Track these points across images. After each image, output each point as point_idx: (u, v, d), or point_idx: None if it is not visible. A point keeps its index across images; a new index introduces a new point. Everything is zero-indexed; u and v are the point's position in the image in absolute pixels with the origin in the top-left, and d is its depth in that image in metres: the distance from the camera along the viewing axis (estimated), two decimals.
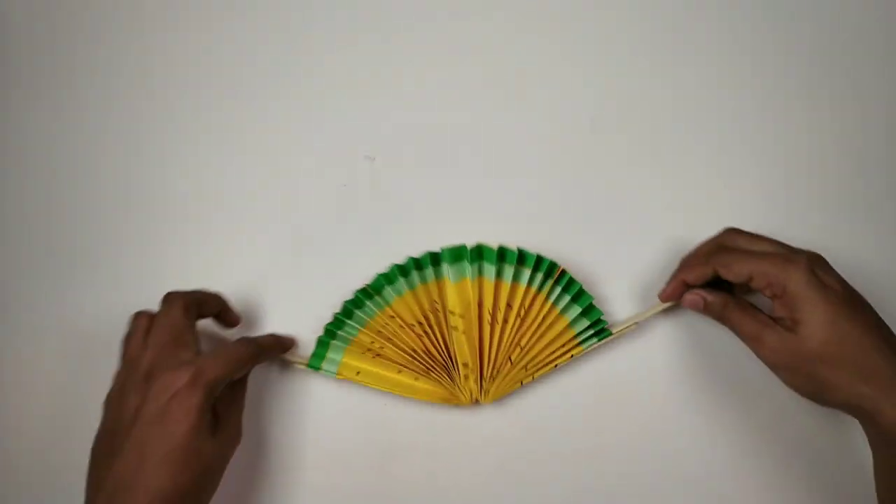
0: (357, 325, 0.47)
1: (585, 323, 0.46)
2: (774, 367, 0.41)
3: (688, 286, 0.45)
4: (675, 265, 0.48)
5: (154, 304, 0.44)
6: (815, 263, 0.41)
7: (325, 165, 0.52)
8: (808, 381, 0.40)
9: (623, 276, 0.50)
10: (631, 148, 0.52)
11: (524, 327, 0.46)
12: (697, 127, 0.53)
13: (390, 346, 0.46)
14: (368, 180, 0.52)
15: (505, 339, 0.46)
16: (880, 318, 0.41)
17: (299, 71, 0.54)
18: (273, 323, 0.50)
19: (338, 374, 0.46)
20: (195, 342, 0.42)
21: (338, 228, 0.51)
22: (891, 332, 0.40)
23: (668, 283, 0.46)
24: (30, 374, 0.50)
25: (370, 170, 0.52)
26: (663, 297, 0.46)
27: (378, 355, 0.46)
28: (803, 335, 0.39)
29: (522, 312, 0.46)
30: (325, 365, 0.46)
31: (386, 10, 0.55)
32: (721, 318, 0.44)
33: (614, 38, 0.54)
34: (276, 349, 0.47)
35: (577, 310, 0.47)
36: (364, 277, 0.49)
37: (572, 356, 0.46)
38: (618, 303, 0.49)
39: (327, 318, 0.48)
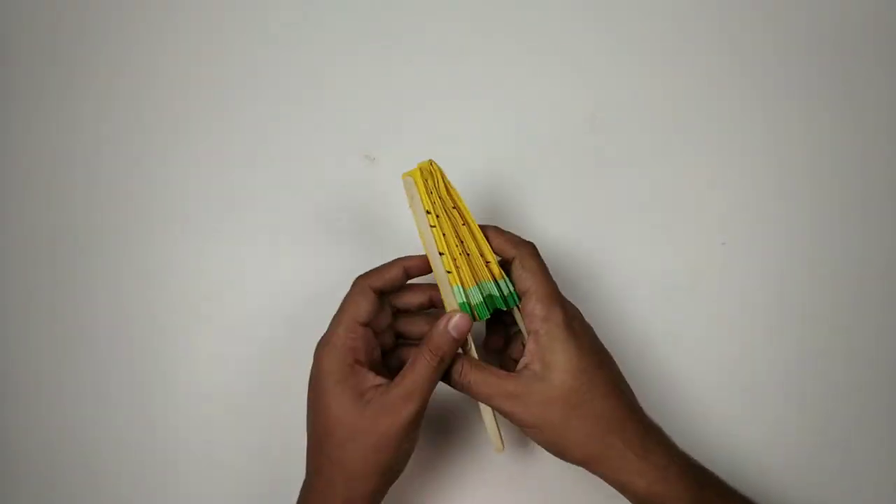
0: None
1: None
2: (526, 424, 0.39)
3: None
4: (675, 266, 0.48)
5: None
6: (573, 313, 0.40)
7: (326, 165, 0.52)
8: (556, 434, 0.38)
9: (622, 275, 0.50)
10: (631, 148, 0.53)
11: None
12: (696, 127, 0.53)
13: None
14: (368, 180, 0.52)
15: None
16: (622, 377, 0.41)
17: (300, 71, 0.54)
18: (273, 322, 0.50)
19: None
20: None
21: (338, 228, 0.51)
22: (632, 395, 0.41)
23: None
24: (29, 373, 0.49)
25: (370, 170, 0.52)
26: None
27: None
28: (552, 381, 0.38)
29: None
30: None
31: (386, 11, 0.55)
32: (458, 384, 0.40)
33: (614, 38, 0.54)
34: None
35: None
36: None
37: None
38: (617, 300, 0.50)
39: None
